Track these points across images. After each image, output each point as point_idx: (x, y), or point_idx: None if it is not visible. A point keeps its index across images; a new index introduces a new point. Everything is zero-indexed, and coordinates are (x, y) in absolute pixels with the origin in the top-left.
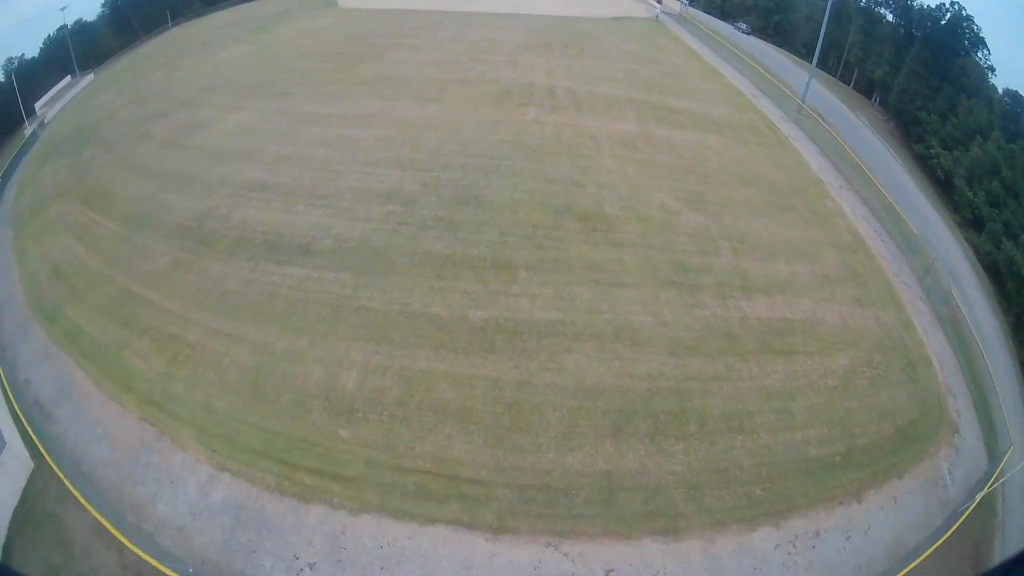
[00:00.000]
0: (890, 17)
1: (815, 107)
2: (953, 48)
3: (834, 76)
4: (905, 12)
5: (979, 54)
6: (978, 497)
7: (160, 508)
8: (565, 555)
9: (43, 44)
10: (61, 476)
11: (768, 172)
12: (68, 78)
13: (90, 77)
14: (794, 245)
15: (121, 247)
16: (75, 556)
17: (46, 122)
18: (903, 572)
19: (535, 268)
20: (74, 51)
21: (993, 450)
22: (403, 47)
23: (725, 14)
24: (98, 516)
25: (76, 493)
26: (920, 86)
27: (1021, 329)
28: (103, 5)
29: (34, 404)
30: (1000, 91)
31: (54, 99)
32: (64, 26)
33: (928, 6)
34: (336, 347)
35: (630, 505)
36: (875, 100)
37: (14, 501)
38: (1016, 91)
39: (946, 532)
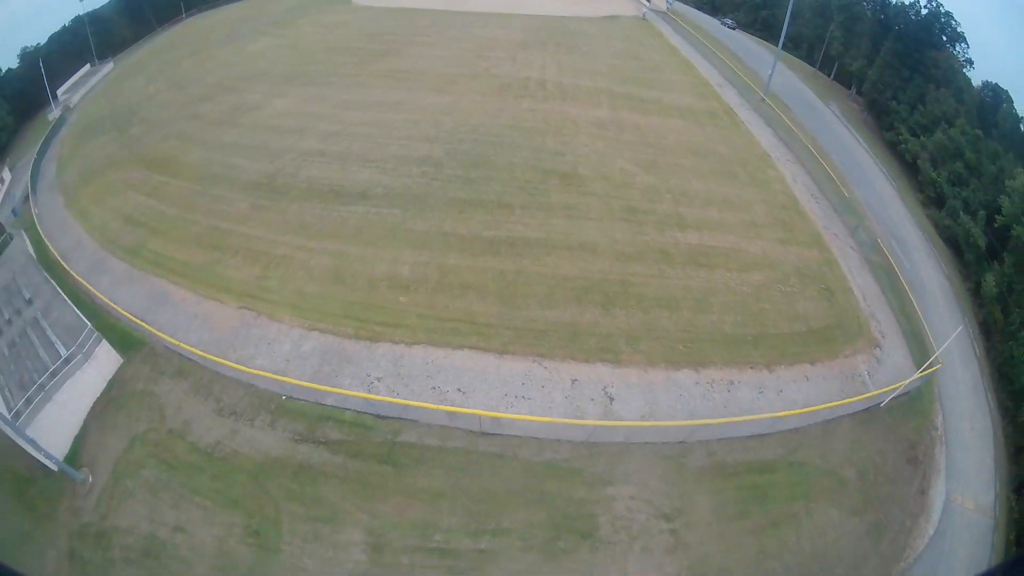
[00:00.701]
0: (869, 13)
1: (782, 96)
2: (926, 42)
3: (816, 67)
4: (882, 8)
5: (958, 47)
6: (894, 389)
7: (259, 362)
8: (544, 368)
9: (59, 33)
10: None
11: (717, 147)
12: (88, 66)
13: (110, 65)
14: (728, 199)
15: (198, 199)
16: (166, 416)
17: (71, 106)
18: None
19: (526, 207)
20: (87, 41)
21: (928, 378)
22: (417, 44)
23: (715, 9)
24: (215, 358)
25: (187, 348)
26: (892, 77)
27: (979, 294)
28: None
29: (123, 316)
30: (978, 83)
31: (76, 85)
32: (79, 16)
33: (904, 3)
34: (394, 252)
35: (587, 342)
36: (853, 91)
37: (99, 390)
38: (996, 83)
39: (862, 413)
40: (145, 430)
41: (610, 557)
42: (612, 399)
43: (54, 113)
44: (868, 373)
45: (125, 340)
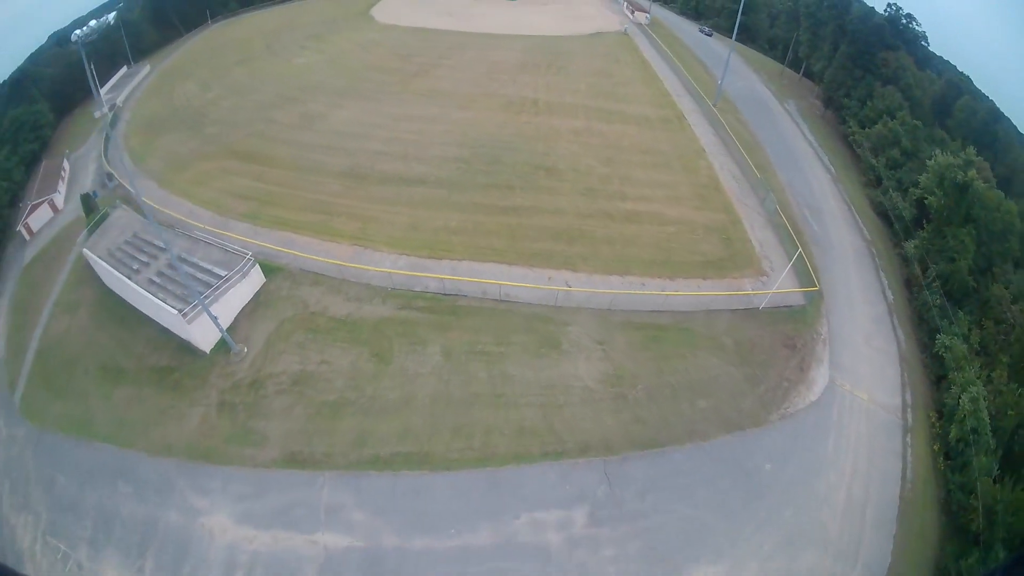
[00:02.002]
0: (830, 19)
1: (737, 100)
2: (877, 44)
3: (788, 67)
4: (841, 14)
5: (920, 45)
6: (765, 295)
7: (370, 274)
8: (533, 271)
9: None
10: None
11: (661, 146)
12: (125, 68)
13: (146, 68)
14: (660, 182)
15: (297, 181)
16: (308, 305)
17: (119, 105)
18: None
19: (524, 188)
20: (117, 44)
21: (815, 301)
22: (443, 67)
23: (699, 14)
24: (344, 263)
25: (322, 259)
26: (846, 77)
27: (907, 260)
28: (142, 4)
29: (260, 252)
30: (934, 76)
31: (116, 86)
32: (106, 20)
33: (861, 9)
34: (445, 214)
35: (557, 259)
36: (818, 89)
37: (247, 299)
38: (958, 81)
39: (742, 312)
40: (292, 314)
41: (569, 359)
42: (570, 286)
43: (101, 111)
44: (752, 289)
45: (265, 268)
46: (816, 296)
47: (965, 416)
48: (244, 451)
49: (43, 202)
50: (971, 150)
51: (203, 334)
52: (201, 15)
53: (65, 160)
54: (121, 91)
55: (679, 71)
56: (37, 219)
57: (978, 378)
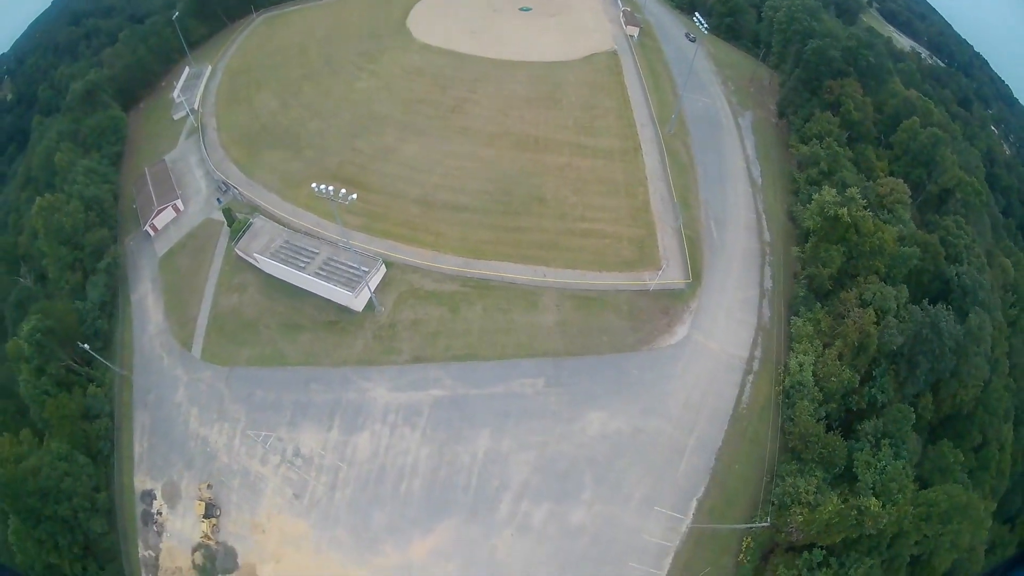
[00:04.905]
0: (796, 37)
1: (693, 119)
2: (827, 73)
3: (761, 60)
4: (805, 39)
5: (873, 71)
6: (647, 284)
7: (443, 268)
8: (531, 269)
9: (145, 34)
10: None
11: (616, 176)
12: (187, 69)
13: (208, 68)
14: (608, 207)
15: (389, 203)
16: (412, 284)
17: (197, 109)
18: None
19: (524, 214)
20: (168, 41)
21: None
22: (471, 102)
23: (695, 6)
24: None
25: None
26: (795, 97)
27: (806, 256)
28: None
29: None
30: (892, 96)
31: (184, 88)
32: (157, 18)
33: (821, 38)
34: (479, 231)
35: (537, 253)
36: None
37: (379, 280)
38: (899, 112)
39: (638, 292)
40: (404, 289)
41: (541, 313)
42: (545, 276)
43: (179, 114)
44: (649, 279)
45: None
46: (694, 283)
47: (794, 373)
48: (390, 357)
49: (168, 206)
50: (854, 190)
51: (359, 302)
52: (241, 6)
53: (179, 198)
54: (192, 93)
55: (653, 94)
56: (161, 219)
57: (813, 352)
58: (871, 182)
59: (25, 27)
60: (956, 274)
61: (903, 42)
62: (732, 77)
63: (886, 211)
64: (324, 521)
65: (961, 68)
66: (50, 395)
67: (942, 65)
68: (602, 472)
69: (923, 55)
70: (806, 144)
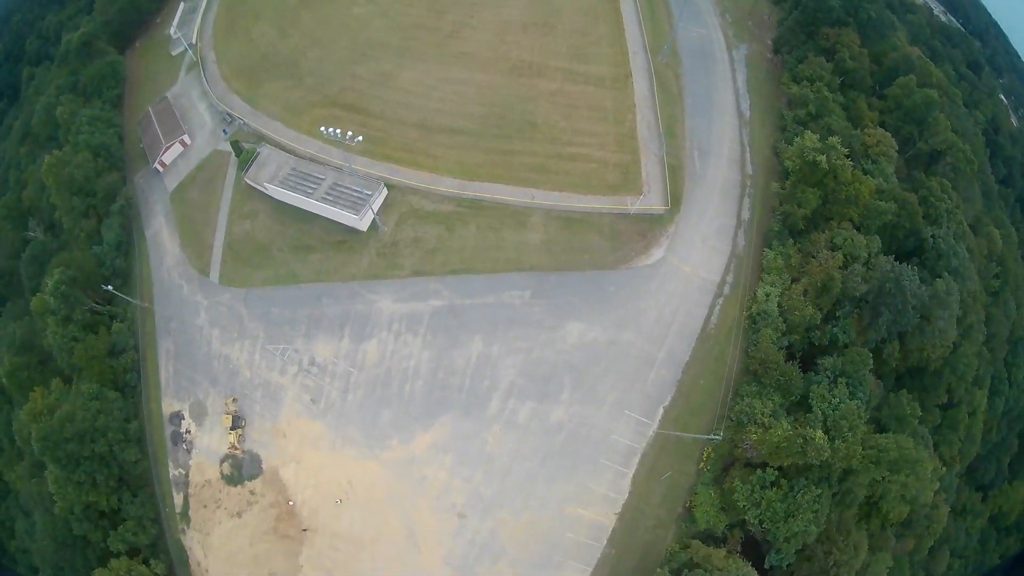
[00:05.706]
0: None
1: (687, 49)
2: (825, 20)
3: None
4: None
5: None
6: (628, 208)
7: (441, 189)
8: (522, 191)
9: None
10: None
11: (605, 103)
12: (183, 4)
13: (204, 2)
14: (596, 132)
15: (389, 128)
16: (411, 205)
17: (195, 43)
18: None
19: (517, 138)
20: None
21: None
22: (468, 27)
23: None
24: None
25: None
26: (791, 38)
27: (784, 193)
28: None
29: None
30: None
31: (181, 24)
32: None
33: None
34: (475, 154)
35: (530, 182)
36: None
37: (381, 201)
38: (898, 67)
39: (619, 215)
40: (405, 210)
41: (529, 231)
42: (534, 198)
43: (177, 50)
44: (631, 203)
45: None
46: (673, 209)
47: (760, 302)
48: (393, 272)
49: (175, 142)
50: (835, 139)
51: (364, 223)
52: None
53: (184, 136)
54: (188, 27)
55: (648, 23)
56: (169, 155)
57: (780, 284)
58: (858, 130)
59: None
60: (932, 236)
61: None
62: (731, 9)
63: (870, 161)
64: (338, 422)
65: (976, 34)
66: (78, 340)
67: (956, 25)
68: (579, 377)
69: (936, 11)
70: (797, 84)
